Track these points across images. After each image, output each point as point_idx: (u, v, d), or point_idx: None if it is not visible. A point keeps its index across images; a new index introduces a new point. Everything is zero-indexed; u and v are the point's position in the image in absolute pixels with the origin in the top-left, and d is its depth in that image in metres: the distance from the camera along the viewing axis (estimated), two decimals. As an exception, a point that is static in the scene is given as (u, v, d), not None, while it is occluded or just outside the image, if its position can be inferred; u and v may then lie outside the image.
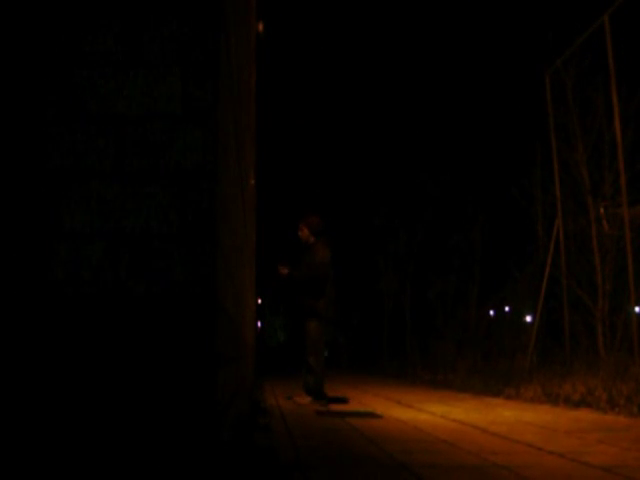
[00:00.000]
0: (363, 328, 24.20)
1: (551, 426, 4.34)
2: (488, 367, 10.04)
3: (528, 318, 13.27)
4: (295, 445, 3.32)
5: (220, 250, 1.73)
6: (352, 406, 5.99)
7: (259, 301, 17.74)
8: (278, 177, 19.68)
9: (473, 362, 11.02)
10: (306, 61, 24.33)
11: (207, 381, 1.56)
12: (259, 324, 19.01)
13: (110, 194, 1.62)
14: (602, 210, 9.34)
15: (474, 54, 20.28)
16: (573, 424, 4.51)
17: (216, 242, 1.64)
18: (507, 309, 14.80)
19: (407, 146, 19.56)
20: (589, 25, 8.64)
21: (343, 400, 6.51)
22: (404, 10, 24.22)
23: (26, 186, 1.60)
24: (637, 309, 7.81)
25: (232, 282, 2.39)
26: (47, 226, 1.59)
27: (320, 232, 6.61)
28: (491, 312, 15.95)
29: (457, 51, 21.69)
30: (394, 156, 19.97)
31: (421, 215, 18.11)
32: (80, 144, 1.63)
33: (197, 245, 1.61)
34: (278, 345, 27.54)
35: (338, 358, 26.90)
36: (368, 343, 22.84)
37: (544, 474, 2.59)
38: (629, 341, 8.06)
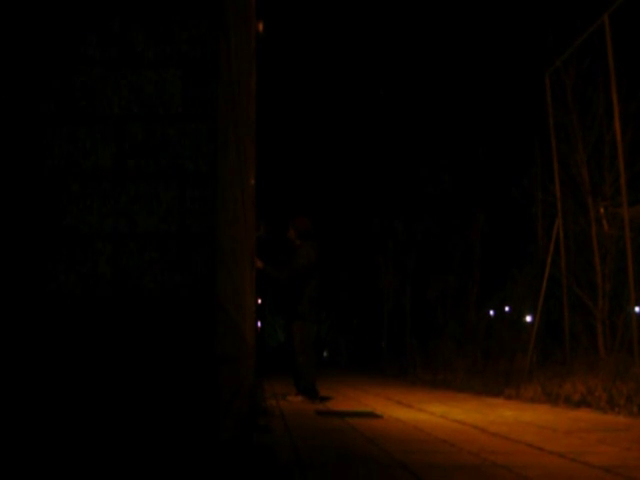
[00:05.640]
0: (363, 328, 24.23)
1: (551, 426, 4.34)
2: (488, 367, 10.04)
3: (528, 318, 13.27)
4: (295, 445, 3.32)
5: (220, 250, 1.73)
6: (352, 406, 5.99)
7: (259, 301, 17.74)
8: (278, 177, 19.69)
9: (473, 362, 11.02)
10: (306, 61, 24.31)
11: (207, 381, 1.56)
12: (259, 324, 19.01)
13: (109, 195, 1.62)
14: (602, 210, 9.35)
15: (474, 54, 20.29)
16: (573, 424, 4.51)
17: (216, 242, 1.64)
18: (507, 309, 14.80)
19: (407, 146, 19.56)
20: (589, 25, 8.64)
21: (326, 398, 6.50)
22: (404, 10, 24.23)
23: (25, 187, 1.60)
24: (637, 309, 7.81)
25: (232, 282, 2.39)
26: (47, 227, 1.59)
27: (308, 234, 6.64)
28: (491, 312, 15.94)
29: (457, 51, 21.70)
30: (394, 156, 19.98)
31: (421, 215, 18.14)
32: (79, 144, 1.63)
33: (197, 245, 1.61)
34: (278, 345, 27.53)
35: (338, 358, 26.93)
36: (368, 343, 22.87)
37: (544, 474, 2.59)
38: (629, 341, 8.06)
